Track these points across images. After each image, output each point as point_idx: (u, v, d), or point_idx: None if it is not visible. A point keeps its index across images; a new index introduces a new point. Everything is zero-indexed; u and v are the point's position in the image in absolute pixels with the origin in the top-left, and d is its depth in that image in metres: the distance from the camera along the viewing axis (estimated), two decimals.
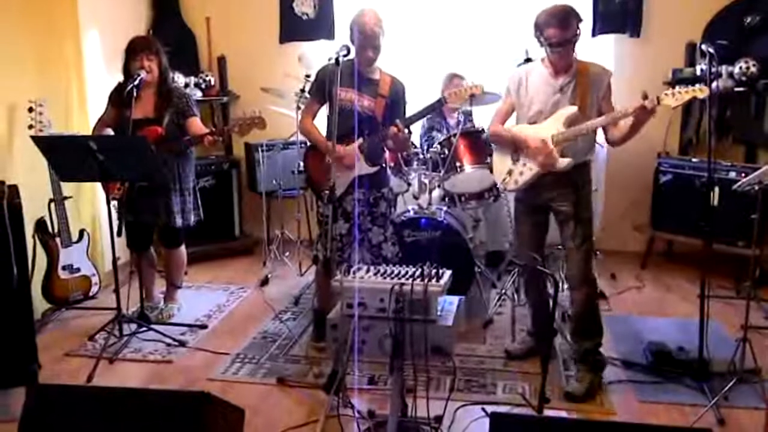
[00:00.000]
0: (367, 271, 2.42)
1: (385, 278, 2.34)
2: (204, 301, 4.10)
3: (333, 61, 2.83)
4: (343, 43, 2.93)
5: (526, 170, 2.98)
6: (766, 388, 2.84)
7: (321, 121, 3.33)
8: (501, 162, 3.11)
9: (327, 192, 2.87)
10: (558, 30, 2.76)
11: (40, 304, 3.65)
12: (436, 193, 4.02)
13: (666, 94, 2.68)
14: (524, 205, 3.13)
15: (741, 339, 2.88)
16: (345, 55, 2.85)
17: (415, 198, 3.91)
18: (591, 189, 3.03)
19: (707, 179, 2.97)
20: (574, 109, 2.83)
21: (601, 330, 2.99)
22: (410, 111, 3.30)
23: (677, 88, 2.70)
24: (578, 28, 2.81)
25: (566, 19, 2.77)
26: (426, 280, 2.27)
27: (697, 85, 2.67)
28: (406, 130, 3.12)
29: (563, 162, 2.86)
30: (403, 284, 2.24)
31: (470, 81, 3.27)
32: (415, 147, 3.92)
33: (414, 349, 2.23)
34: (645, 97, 2.68)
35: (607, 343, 3.04)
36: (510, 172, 3.04)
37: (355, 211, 3.23)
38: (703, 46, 2.86)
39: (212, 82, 5.06)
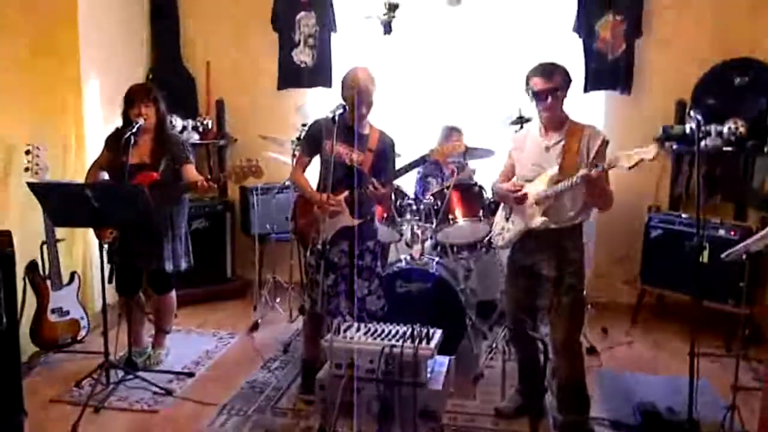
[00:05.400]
0: (357, 330, 2.42)
1: (375, 338, 2.34)
2: (192, 346, 4.07)
3: (330, 118, 2.88)
4: (340, 102, 2.99)
5: (512, 227, 3.03)
6: None
7: (315, 170, 3.34)
8: (499, 219, 3.18)
9: (317, 245, 2.88)
10: (541, 79, 2.82)
11: (27, 346, 3.61)
12: (429, 242, 4.03)
13: (621, 155, 2.65)
14: (514, 266, 3.11)
15: (730, 406, 2.87)
16: (341, 114, 2.90)
17: (408, 246, 3.92)
18: (582, 255, 2.95)
19: (696, 239, 3.00)
20: (556, 169, 2.83)
21: (588, 402, 2.93)
22: (401, 164, 3.30)
23: (633, 150, 2.65)
24: (563, 83, 2.85)
25: (550, 71, 2.83)
26: (416, 342, 2.27)
27: (651, 146, 2.62)
28: (382, 188, 3.08)
29: (538, 221, 2.86)
30: (393, 346, 2.24)
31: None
32: (407, 197, 3.95)
33: (402, 412, 2.22)
34: (594, 165, 2.69)
35: (596, 400, 3.01)
36: (503, 229, 3.10)
37: (355, 262, 3.21)
38: (692, 113, 2.89)
39: (210, 126, 5.09)
